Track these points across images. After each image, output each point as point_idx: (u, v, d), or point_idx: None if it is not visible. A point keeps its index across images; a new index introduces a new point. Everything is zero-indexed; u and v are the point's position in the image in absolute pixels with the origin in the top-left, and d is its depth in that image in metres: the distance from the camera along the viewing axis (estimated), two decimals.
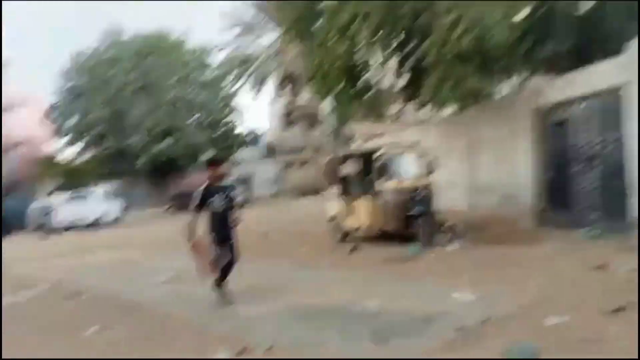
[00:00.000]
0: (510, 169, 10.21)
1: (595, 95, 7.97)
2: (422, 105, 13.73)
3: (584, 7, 10.11)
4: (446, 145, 12.69)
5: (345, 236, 10.42)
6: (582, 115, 8.33)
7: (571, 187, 8.72)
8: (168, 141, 30.99)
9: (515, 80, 12.47)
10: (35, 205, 22.04)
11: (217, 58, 33.11)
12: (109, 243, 14.16)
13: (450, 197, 12.35)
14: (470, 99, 11.11)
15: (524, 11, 10.30)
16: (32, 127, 40.05)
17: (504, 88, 13.36)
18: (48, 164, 36.84)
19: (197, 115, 33.56)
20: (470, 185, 12.16)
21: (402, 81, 12.83)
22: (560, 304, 4.85)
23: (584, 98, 8.21)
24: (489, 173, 11.47)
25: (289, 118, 36.63)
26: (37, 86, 44.40)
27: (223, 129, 35.42)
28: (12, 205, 25.36)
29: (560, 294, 5.23)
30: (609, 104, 7.88)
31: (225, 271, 5.92)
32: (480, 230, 10.04)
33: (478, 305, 5.06)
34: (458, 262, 7.36)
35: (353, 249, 9.22)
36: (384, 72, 12.17)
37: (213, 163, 6.15)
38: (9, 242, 17.83)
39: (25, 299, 7.23)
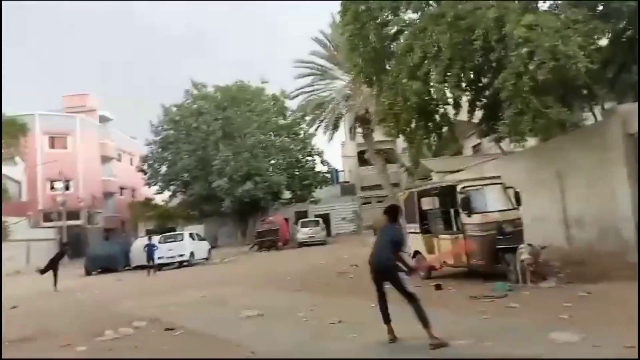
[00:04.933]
0: (606, 200, 9.56)
1: None
2: (500, 139, 13.37)
3: None
4: (532, 177, 12.16)
5: (430, 273, 10.21)
6: None
7: None
8: (249, 184, 32.46)
9: (602, 107, 11.83)
10: (138, 244, 23.77)
11: (294, 103, 34.65)
12: (199, 281, 14.90)
13: (542, 231, 11.73)
14: (554, 129, 10.67)
15: (605, 38, 9.88)
16: (130, 175, 44.03)
17: (591, 115, 12.69)
18: (145, 207, 39.98)
19: (275, 158, 34.97)
20: (563, 218, 11.48)
21: (478, 116, 12.64)
22: None
23: None
24: (582, 205, 10.79)
25: (364, 156, 37.02)
26: (133, 140, 48.38)
27: (302, 170, 36.51)
28: (116, 244, 27.70)
29: None
30: None
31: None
32: (579, 266, 9.38)
33: (582, 347, 4.75)
34: (555, 301, 6.93)
35: (438, 286, 8.99)
36: (458, 107, 12.07)
37: None
38: (113, 279, 19.37)
39: (123, 335, 7.74)
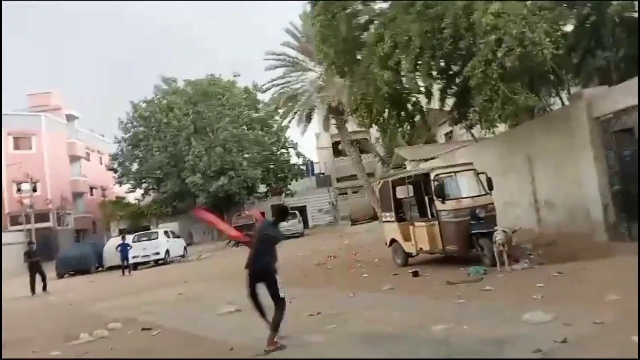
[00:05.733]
0: (574, 182, 9.82)
1: None
2: (471, 126, 13.58)
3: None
4: (503, 163, 12.40)
5: (406, 260, 10.32)
6: None
7: None
8: (224, 179, 32.12)
9: (569, 92, 12.13)
10: (111, 244, 23.24)
11: (266, 96, 34.36)
12: (175, 279, 14.69)
13: (514, 215, 12.00)
14: (522, 115, 10.84)
15: (570, 24, 10.07)
16: (100, 174, 42.99)
17: (558, 100, 13.00)
18: (117, 206, 39.12)
19: (250, 152, 34.68)
20: (533, 201, 11.77)
21: (449, 104, 12.79)
22: None
23: None
24: (551, 188, 11.08)
25: (338, 147, 37.08)
26: (101, 138, 47.18)
27: (276, 163, 36.30)
28: (87, 245, 27.01)
29: None
30: None
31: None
32: (550, 248, 9.64)
33: (553, 326, 4.87)
34: (527, 282, 7.10)
35: (415, 273, 9.10)
36: (430, 96, 12.18)
37: None
38: (86, 281, 18.90)
39: (99, 338, 7.57)
